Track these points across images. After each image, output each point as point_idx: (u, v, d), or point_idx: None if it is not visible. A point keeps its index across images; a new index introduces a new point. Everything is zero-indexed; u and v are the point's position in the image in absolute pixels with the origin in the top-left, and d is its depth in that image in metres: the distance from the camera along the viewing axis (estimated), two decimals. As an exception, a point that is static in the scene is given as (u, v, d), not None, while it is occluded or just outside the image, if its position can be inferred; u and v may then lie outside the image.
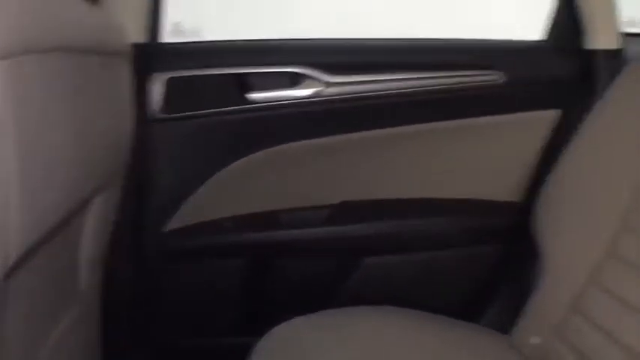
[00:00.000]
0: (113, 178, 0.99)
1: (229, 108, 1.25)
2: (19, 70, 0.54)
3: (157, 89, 1.20)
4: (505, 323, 1.23)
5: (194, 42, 1.34)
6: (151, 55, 1.20)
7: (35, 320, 0.72)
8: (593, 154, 1.19)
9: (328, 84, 1.26)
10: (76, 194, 0.75)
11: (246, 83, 1.24)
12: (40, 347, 0.76)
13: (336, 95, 1.27)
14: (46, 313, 0.77)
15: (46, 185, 0.62)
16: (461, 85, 1.30)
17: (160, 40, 1.25)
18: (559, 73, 1.36)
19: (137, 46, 1.12)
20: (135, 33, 1.15)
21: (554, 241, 1.19)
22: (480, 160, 1.39)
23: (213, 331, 1.40)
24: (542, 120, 1.37)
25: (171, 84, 1.21)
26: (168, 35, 1.26)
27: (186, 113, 1.24)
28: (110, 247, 1.08)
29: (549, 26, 1.40)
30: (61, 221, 0.69)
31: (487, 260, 1.44)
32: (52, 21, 0.64)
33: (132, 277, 1.30)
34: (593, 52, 1.32)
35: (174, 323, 1.41)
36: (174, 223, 1.30)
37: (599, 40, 1.31)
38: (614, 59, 1.30)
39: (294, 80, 1.25)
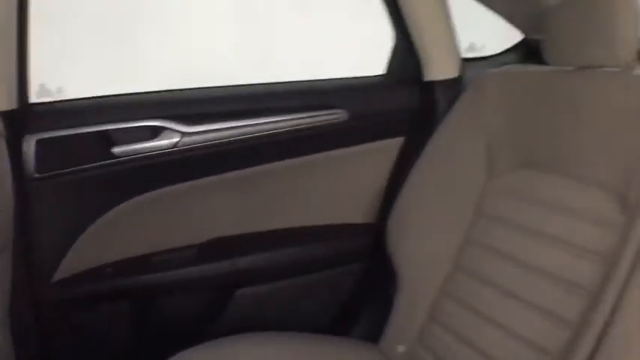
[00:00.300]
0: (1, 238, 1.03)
1: (96, 164, 1.28)
2: None
3: (29, 151, 1.22)
4: (375, 334, 1.34)
5: (60, 101, 1.36)
6: (21, 119, 1.22)
7: None
8: (435, 176, 1.34)
9: (185, 134, 1.33)
10: None
11: (110, 138, 1.28)
12: None
13: (195, 143, 1.34)
14: None
15: None
16: (308, 124, 1.41)
17: (28, 102, 1.27)
18: (400, 104, 1.49)
19: (7, 113, 1.15)
20: (4, 100, 1.17)
21: (405, 257, 1.32)
22: (336, 188, 1.51)
23: None
24: (389, 148, 1.50)
25: (41, 145, 1.23)
26: (35, 96, 1.28)
27: (58, 171, 1.26)
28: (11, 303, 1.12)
29: (389, 60, 1.54)
30: None
31: (353, 277, 1.55)
32: None
33: (35, 329, 1.31)
34: (432, 83, 1.46)
35: None
36: (61, 273, 1.32)
37: (436, 71, 1.46)
38: (454, 86, 1.44)
39: (155, 132, 1.31)
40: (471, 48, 1.72)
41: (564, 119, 1.11)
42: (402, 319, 1.30)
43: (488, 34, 1.40)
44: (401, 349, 1.28)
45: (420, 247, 1.30)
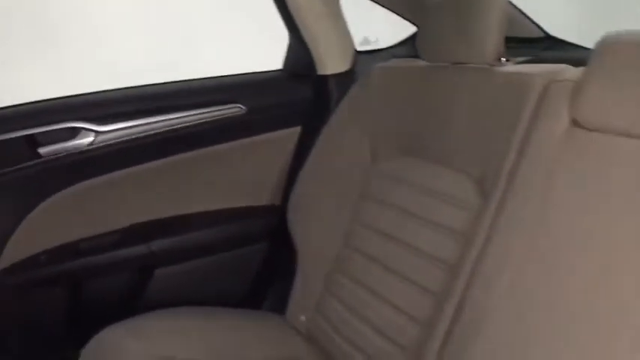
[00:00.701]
0: None
1: (24, 164, 1.40)
2: None
3: None
4: (283, 307, 1.49)
5: None
6: None
7: None
8: (327, 162, 1.48)
9: (99, 133, 1.45)
10: None
11: (36, 140, 1.41)
12: None
13: (109, 141, 1.46)
14: None
15: None
16: (211, 118, 1.55)
17: None
18: (296, 97, 1.64)
19: None
20: None
21: (303, 236, 1.48)
22: (241, 174, 1.65)
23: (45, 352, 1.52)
24: (288, 137, 1.65)
25: None
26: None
27: None
28: None
29: (285, 56, 1.67)
30: None
31: (261, 255, 1.69)
32: None
33: None
34: (325, 77, 1.60)
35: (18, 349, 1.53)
36: (2, 263, 1.44)
37: (328, 65, 1.60)
38: (345, 79, 1.58)
39: (74, 133, 1.43)
40: (365, 41, 1.85)
41: (438, 111, 1.25)
42: (302, 293, 1.46)
43: (381, 28, 1.52)
44: (302, 318, 1.44)
45: (315, 227, 1.45)
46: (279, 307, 1.51)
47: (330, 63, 1.59)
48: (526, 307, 0.91)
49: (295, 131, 1.63)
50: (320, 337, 1.38)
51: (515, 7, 1.59)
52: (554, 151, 0.96)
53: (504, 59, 1.26)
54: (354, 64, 1.62)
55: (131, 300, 1.57)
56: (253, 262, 1.69)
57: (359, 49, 1.66)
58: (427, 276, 1.14)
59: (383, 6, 1.63)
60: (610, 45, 0.93)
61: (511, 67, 1.17)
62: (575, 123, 0.95)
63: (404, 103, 1.34)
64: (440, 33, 1.24)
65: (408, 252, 1.20)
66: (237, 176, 1.63)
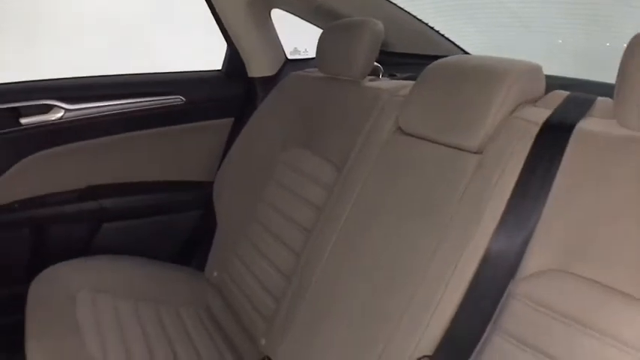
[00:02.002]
0: None
1: (7, 130, 1.73)
2: None
3: None
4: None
5: None
6: None
7: None
8: (248, 149, 1.81)
9: (67, 110, 1.78)
10: None
11: (19, 112, 1.74)
12: None
13: (76, 117, 1.80)
14: None
15: None
16: (156, 105, 1.89)
17: None
18: (230, 93, 1.98)
19: None
20: None
21: (222, 208, 1.81)
22: (180, 154, 1.99)
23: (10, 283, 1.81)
24: (222, 125, 1.99)
25: None
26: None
27: None
28: None
29: (224, 59, 2.01)
30: None
31: (192, 221, 2.03)
32: None
33: None
34: (253, 79, 1.94)
35: None
36: None
37: (256, 70, 1.95)
38: (271, 81, 1.91)
39: (48, 108, 1.77)
40: (295, 51, 2.18)
41: (323, 113, 1.56)
42: (216, 253, 1.79)
43: (311, 40, 1.84)
44: (215, 274, 1.76)
45: (232, 201, 1.78)
46: (203, 266, 1.84)
47: (258, 68, 1.94)
48: (346, 254, 1.24)
49: (229, 122, 1.97)
50: (223, 288, 1.69)
51: (435, 30, 1.91)
52: (381, 149, 1.29)
53: (382, 75, 1.60)
54: (282, 69, 1.95)
55: (81, 246, 1.89)
56: (185, 227, 2.03)
57: (290, 57, 1.99)
58: (294, 239, 1.46)
59: (309, 22, 1.96)
60: (430, 68, 1.25)
61: (372, 83, 1.50)
62: (399, 129, 1.28)
63: (304, 106, 1.65)
64: (329, 50, 1.56)
65: (285, 221, 1.52)
66: (177, 155, 1.97)
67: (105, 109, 1.84)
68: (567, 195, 0.93)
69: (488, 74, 1.12)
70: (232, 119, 1.97)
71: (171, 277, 1.79)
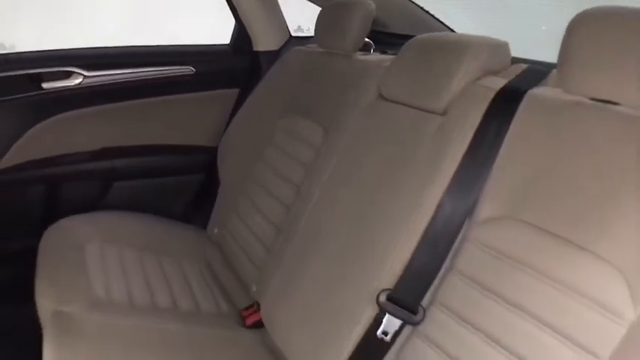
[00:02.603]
0: None
1: (31, 93, 1.88)
2: None
3: None
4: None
5: (11, 53, 2.00)
6: None
7: None
8: (250, 116, 1.96)
9: (86, 77, 1.92)
10: None
11: (42, 77, 1.88)
12: None
13: (93, 83, 1.94)
14: None
15: None
16: (169, 74, 2.03)
17: None
18: (236, 66, 2.13)
19: None
20: None
21: (225, 171, 1.96)
22: (189, 120, 2.13)
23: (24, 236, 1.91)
24: (228, 95, 2.13)
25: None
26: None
27: (1, 98, 1.86)
28: None
29: (232, 34, 2.15)
30: None
31: (198, 182, 2.19)
32: None
33: None
34: (258, 53, 2.09)
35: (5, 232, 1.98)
36: (3, 164, 1.90)
37: (261, 45, 2.09)
38: (275, 56, 2.05)
39: (68, 74, 1.91)
40: (299, 29, 2.32)
41: (320, 84, 1.70)
42: (217, 212, 1.94)
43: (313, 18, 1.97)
44: (215, 231, 1.91)
45: (233, 164, 1.93)
46: (206, 225, 1.99)
47: (263, 43, 2.08)
48: (327, 205, 1.40)
49: (235, 92, 2.11)
50: (223, 244, 1.84)
51: (425, 11, 2.03)
52: (363, 113, 1.43)
53: (373, 50, 1.74)
54: (285, 45, 2.08)
55: (94, 203, 2.04)
56: (190, 189, 2.18)
57: (293, 34, 2.13)
58: (285, 194, 1.60)
59: (311, 1, 2.09)
60: (410, 42, 1.39)
61: (362, 56, 1.64)
62: (380, 96, 1.42)
63: (302, 77, 1.79)
64: (326, 26, 1.70)
65: (279, 179, 1.66)
66: (185, 121, 2.11)
67: (120, 76, 1.98)
68: (516, 151, 1.06)
69: (457, 47, 1.25)
70: (238, 90, 2.11)
71: (175, 234, 1.94)
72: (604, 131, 0.95)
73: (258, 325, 1.49)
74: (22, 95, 1.88)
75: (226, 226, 1.85)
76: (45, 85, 1.89)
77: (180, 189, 2.17)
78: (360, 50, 1.66)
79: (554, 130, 1.02)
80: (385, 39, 1.99)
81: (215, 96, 2.12)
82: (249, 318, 1.53)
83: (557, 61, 1.02)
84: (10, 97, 1.86)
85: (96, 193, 2.06)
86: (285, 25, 2.13)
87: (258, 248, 1.64)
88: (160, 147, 2.12)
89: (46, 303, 1.40)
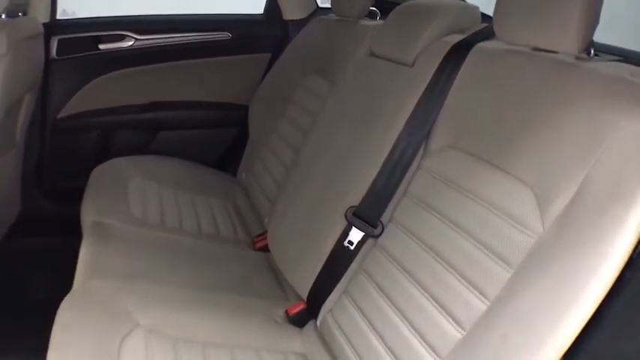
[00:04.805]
0: (34, 85, 1.98)
1: (90, 52, 2.24)
2: None
3: (54, 45, 2.18)
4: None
5: (73, 19, 2.37)
6: (50, 27, 2.16)
7: None
8: (278, 78, 2.22)
9: (137, 40, 2.26)
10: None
11: (100, 39, 2.24)
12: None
13: (144, 45, 2.27)
14: None
15: None
16: (208, 39, 2.34)
17: (55, 18, 2.21)
18: (268, 32, 2.41)
19: (43, 24, 2.10)
20: (43, 16, 2.11)
21: (253, 124, 2.23)
22: (225, 79, 2.41)
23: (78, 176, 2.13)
24: (261, 59, 2.41)
25: (60, 42, 2.19)
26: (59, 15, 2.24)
27: (67, 57, 2.21)
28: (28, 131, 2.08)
29: (266, 4, 2.42)
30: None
31: (232, 136, 2.48)
32: None
33: (40, 145, 2.27)
34: (287, 21, 2.35)
35: (58, 169, 2.34)
36: (64, 113, 2.27)
37: (289, 13, 2.36)
38: (302, 24, 2.29)
39: (122, 37, 2.26)
40: (326, 0, 2.57)
41: (333, 45, 1.94)
42: (246, 159, 2.22)
43: None
44: (243, 175, 2.19)
45: (261, 119, 2.20)
46: (236, 172, 2.28)
47: (291, 11, 2.35)
48: (321, 144, 1.67)
49: (266, 57, 2.39)
50: (248, 186, 2.12)
51: None
52: (356, 67, 1.68)
53: (378, 18, 1.96)
54: (312, 14, 2.34)
55: (140, 150, 2.34)
56: (224, 140, 2.48)
57: (320, 5, 2.38)
58: (297, 140, 1.87)
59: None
60: (398, 7, 1.62)
61: (366, 22, 1.88)
62: (371, 53, 1.65)
63: (320, 42, 2.06)
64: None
65: (294, 128, 1.94)
66: (222, 81, 2.41)
67: (167, 40, 2.31)
68: (461, 93, 1.28)
69: (429, 10, 1.50)
70: (269, 55, 2.38)
71: (209, 178, 2.23)
72: (533, 74, 1.13)
73: (266, 249, 1.75)
74: (82, 54, 2.22)
75: (252, 170, 2.12)
76: (102, 47, 2.23)
77: (216, 141, 2.47)
78: (368, 17, 1.90)
79: (490, 75, 1.23)
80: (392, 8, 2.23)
81: (249, 59, 2.40)
82: (259, 243, 1.81)
83: (493, 13, 1.20)
84: (72, 56, 2.21)
85: (143, 141, 2.37)
86: None
87: (272, 186, 1.91)
88: (200, 103, 2.42)
89: (88, 216, 1.71)
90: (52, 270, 1.42)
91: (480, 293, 0.99)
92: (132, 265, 1.49)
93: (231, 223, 1.94)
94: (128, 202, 1.84)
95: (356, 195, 1.37)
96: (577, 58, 1.08)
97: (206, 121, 2.44)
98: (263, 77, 2.36)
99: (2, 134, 1.75)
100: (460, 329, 1.00)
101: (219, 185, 2.19)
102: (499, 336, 0.90)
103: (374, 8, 1.94)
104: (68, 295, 1.25)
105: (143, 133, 2.38)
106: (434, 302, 1.07)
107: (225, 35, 2.34)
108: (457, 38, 1.38)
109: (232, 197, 2.13)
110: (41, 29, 2.03)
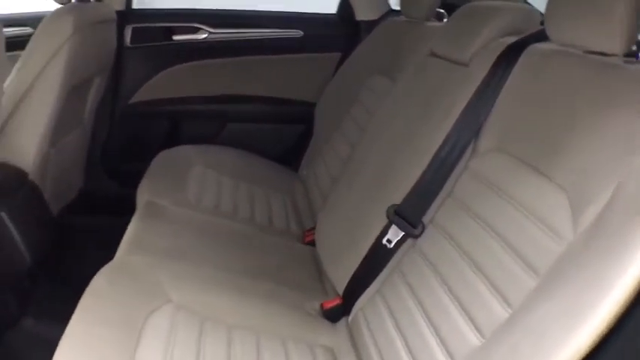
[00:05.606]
0: (105, 68, 2.08)
1: (163, 43, 2.32)
2: None
3: (128, 33, 2.28)
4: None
5: (148, 9, 2.43)
6: (125, 15, 2.26)
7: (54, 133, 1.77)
8: (346, 76, 2.23)
9: (210, 33, 2.33)
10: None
11: (173, 31, 2.32)
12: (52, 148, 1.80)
13: (216, 39, 2.34)
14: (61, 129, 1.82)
15: None
16: (281, 35, 2.39)
17: (131, 6, 2.32)
18: (340, 32, 2.42)
19: (118, 12, 2.20)
20: (118, 4, 2.22)
21: (318, 120, 2.25)
22: (294, 76, 2.45)
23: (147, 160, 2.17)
24: (330, 58, 2.43)
25: (135, 30, 2.29)
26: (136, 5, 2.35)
27: (140, 45, 2.31)
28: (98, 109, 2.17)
29: (339, 5, 2.44)
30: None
31: (297, 133, 2.48)
32: None
33: (109, 128, 2.36)
34: (359, 22, 2.35)
35: (124, 153, 2.43)
36: (134, 99, 2.37)
37: (361, 14, 2.36)
38: (374, 25, 2.27)
39: (195, 30, 2.33)
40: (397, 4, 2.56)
41: (398, 45, 1.94)
42: (308, 156, 2.23)
43: None
44: (304, 172, 2.21)
45: (326, 117, 2.21)
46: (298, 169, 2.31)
47: (364, 12, 2.34)
48: (375, 138, 1.66)
49: (337, 56, 2.40)
50: (307, 181, 2.13)
51: None
52: (416, 67, 1.66)
53: (445, 19, 1.93)
54: (384, 16, 2.32)
55: (207, 140, 2.39)
56: (290, 137, 2.49)
57: (393, 7, 2.37)
58: (354, 135, 1.88)
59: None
60: (461, 8, 1.59)
61: (432, 23, 1.85)
62: (432, 52, 1.63)
63: (388, 42, 2.04)
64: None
65: (354, 124, 1.94)
66: (292, 78, 2.44)
67: (240, 35, 2.36)
68: (511, 94, 1.24)
69: (488, 11, 1.47)
70: (340, 54, 2.38)
71: (271, 171, 2.26)
72: (579, 77, 1.08)
73: (314, 243, 1.74)
74: (156, 44, 2.31)
75: (313, 167, 2.13)
76: (175, 38, 2.30)
77: (282, 136, 2.49)
78: (435, 18, 1.88)
79: (540, 76, 1.19)
80: None
81: (319, 58, 2.42)
82: (308, 236, 1.81)
83: (545, 13, 1.17)
84: (146, 44, 2.30)
85: (210, 132, 2.42)
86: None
87: (328, 181, 1.92)
88: (268, 98, 2.46)
89: (143, 195, 1.76)
90: (104, 246, 1.46)
91: (504, 301, 0.95)
92: (175, 245, 1.52)
93: (285, 216, 1.95)
94: (186, 186, 1.88)
95: (399, 193, 1.36)
96: (625, 61, 1.02)
97: (273, 117, 2.48)
98: (332, 76, 2.37)
99: (68, 113, 1.83)
100: (480, 336, 0.97)
101: (279, 179, 2.21)
102: (509, 346, 0.86)
103: (441, 10, 1.92)
104: (106, 266, 1.29)
105: (211, 123, 2.43)
106: (459, 307, 1.04)
107: (297, 33, 2.36)
108: (513, 39, 1.35)
109: (291, 192, 2.14)
110: (113, 16, 2.11)
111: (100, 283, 1.22)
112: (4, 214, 1.47)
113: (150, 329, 1.14)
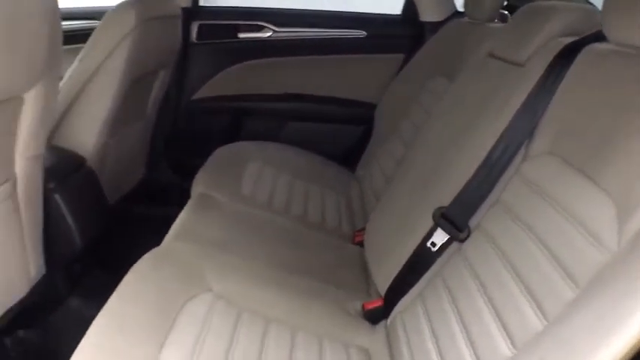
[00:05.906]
0: (169, 62, 2.13)
1: (228, 40, 2.37)
2: None
3: (194, 30, 2.35)
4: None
5: (213, 6, 2.50)
6: (192, 12, 2.32)
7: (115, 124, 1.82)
8: (408, 79, 2.20)
9: (275, 31, 2.36)
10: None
11: (239, 28, 2.36)
12: (112, 138, 1.86)
13: (281, 37, 2.37)
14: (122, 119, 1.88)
15: None
16: (345, 35, 2.39)
17: (198, 4, 2.38)
18: (403, 33, 2.39)
19: (184, 8, 2.25)
20: (184, 2, 2.28)
21: (378, 124, 2.24)
22: (357, 77, 2.44)
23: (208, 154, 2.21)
24: (393, 59, 2.40)
25: (201, 27, 2.35)
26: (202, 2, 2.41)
27: (206, 41, 2.37)
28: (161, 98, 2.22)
29: (404, 5, 2.41)
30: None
31: (358, 134, 2.47)
32: None
33: (172, 122, 2.42)
34: (423, 23, 2.32)
35: (186, 146, 2.48)
36: (198, 95, 2.42)
37: (426, 15, 2.32)
38: (439, 26, 2.24)
39: (260, 28, 2.36)
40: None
41: (460, 46, 1.89)
42: (365, 157, 2.22)
43: None
44: (361, 172, 2.20)
45: (385, 119, 2.19)
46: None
47: (428, 13, 2.30)
48: (422, 143, 1.65)
49: (400, 57, 2.37)
50: (363, 182, 2.13)
51: None
52: (473, 67, 1.62)
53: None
54: (450, 18, 2.28)
55: (268, 137, 2.40)
56: (350, 137, 2.49)
57: (459, 9, 2.32)
58: (411, 136, 1.86)
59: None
60: (521, 9, 1.55)
61: (493, 24, 1.81)
62: (490, 54, 1.59)
63: (451, 44, 2.01)
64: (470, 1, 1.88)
65: (411, 124, 1.93)
66: (354, 78, 2.43)
67: (304, 34, 2.38)
68: (565, 96, 1.19)
69: (548, 11, 1.41)
70: (403, 55, 2.36)
71: (328, 171, 2.26)
72: (631, 78, 1.04)
73: (363, 244, 1.74)
74: (221, 41, 2.37)
75: (369, 168, 2.12)
76: (240, 35, 2.34)
77: (342, 136, 2.49)
78: (499, 20, 1.84)
79: (594, 77, 1.14)
80: None
81: (382, 59, 2.40)
82: (358, 237, 1.80)
83: (601, 12, 1.12)
84: (211, 41, 2.35)
85: (272, 129, 2.45)
86: (452, 0, 2.34)
87: (382, 182, 1.91)
88: (330, 98, 2.46)
89: (197, 187, 1.80)
90: (156, 235, 1.50)
91: (541, 312, 0.92)
92: (222, 236, 1.54)
93: (338, 215, 1.95)
94: (241, 181, 1.91)
95: (447, 195, 1.32)
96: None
97: (335, 117, 2.48)
98: (395, 77, 2.35)
99: (130, 105, 1.89)
100: (512, 347, 0.94)
101: (336, 179, 2.21)
102: (539, 357, 0.83)
103: (505, 11, 1.87)
104: (151, 251, 1.32)
105: (273, 121, 2.46)
106: (495, 316, 1.01)
107: (361, 33, 2.36)
108: (571, 39, 1.30)
109: (347, 192, 2.13)
110: (177, 12, 2.15)
111: (143, 266, 1.25)
112: (57, 196, 1.52)
113: (185, 315, 1.15)
